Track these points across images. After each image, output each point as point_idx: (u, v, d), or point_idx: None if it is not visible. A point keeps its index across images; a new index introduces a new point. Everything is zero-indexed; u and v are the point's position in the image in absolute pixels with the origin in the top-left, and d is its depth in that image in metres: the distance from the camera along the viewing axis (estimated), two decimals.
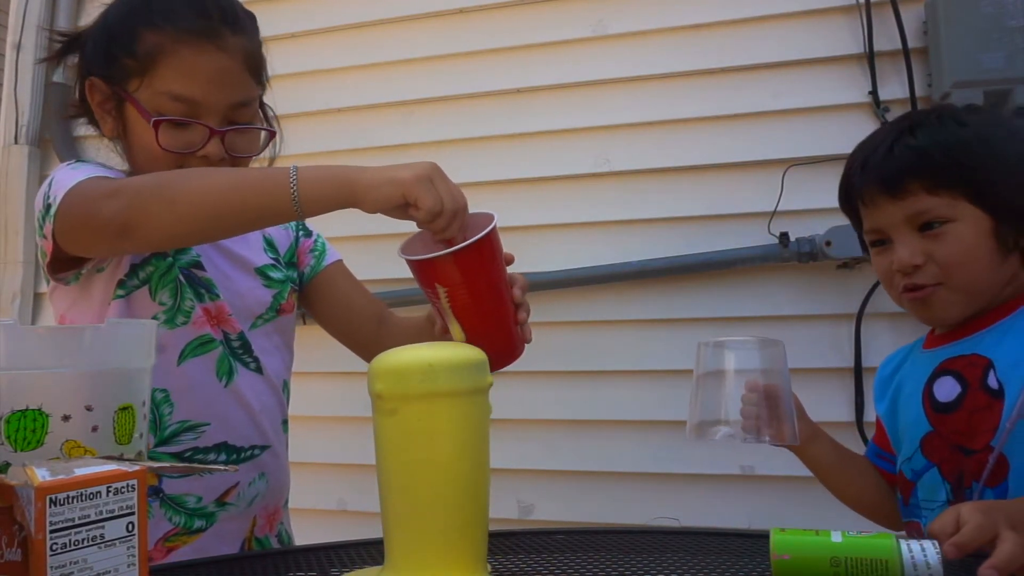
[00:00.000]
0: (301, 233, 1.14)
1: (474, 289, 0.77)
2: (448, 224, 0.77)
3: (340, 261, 1.16)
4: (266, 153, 1.03)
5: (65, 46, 1.00)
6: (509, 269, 0.86)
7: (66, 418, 0.62)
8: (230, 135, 0.94)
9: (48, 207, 0.85)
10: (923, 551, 0.61)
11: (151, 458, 0.92)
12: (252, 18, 1.00)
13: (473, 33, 1.98)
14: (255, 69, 0.98)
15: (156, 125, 0.90)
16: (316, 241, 1.15)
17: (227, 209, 0.81)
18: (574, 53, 1.91)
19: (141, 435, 0.68)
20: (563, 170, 1.89)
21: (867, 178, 1.00)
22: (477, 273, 0.77)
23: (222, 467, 0.68)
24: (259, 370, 1.01)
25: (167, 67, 0.91)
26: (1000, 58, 1.57)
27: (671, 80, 1.84)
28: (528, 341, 0.88)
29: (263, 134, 1.01)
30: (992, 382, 0.95)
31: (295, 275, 1.11)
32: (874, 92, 1.70)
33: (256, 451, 0.99)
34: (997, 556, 0.65)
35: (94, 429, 0.64)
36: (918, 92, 1.67)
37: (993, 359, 0.96)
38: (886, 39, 1.71)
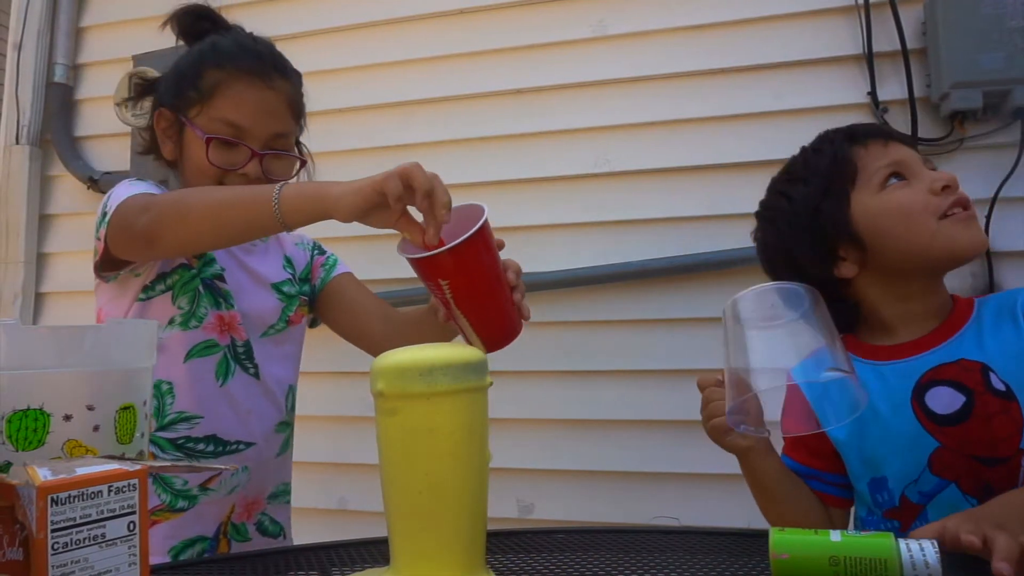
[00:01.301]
0: (316, 252, 1.29)
1: (473, 279, 0.82)
2: (437, 194, 0.82)
3: (349, 273, 1.29)
4: (302, 176, 1.18)
5: (145, 87, 1.18)
6: (503, 254, 0.91)
7: (67, 417, 0.62)
8: (268, 158, 1.10)
9: (104, 215, 1.01)
10: (922, 550, 0.61)
11: (151, 443, 1.02)
12: (298, 75, 1.17)
13: (473, 33, 1.98)
14: (295, 110, 1.14)
15: (208, 142, 1.06)
16: (328, 257, 1.29)
17: (225, 221, 0.93)
18: (575, 53, 1.91)
19: (142, 435, 0.69)
20: (563, 170, 1.89)
21: (878, 128, 1.07)
22: (475, 264, 0.82)
23: (221, 467, 0.69)
24: (256, 375, 1.12)
25: (223, 98, 1.07)
26: (999, 59, 1.57)
27: (671, 80, 1.84)
28: (526, 318, 0.93)
29: (297, 163, 1.16)
30: (997, 384, 0.93)
31: (307, 289, 1.25)
32: (873, 93, 1.70)
33: (241, 446, 1.09)
34: (998, 552, 0.65)
35: (95, 428, 0.64)
36: (917, 93, 1.67)
37: (986, 361, 0.94)
38: (885, 40, 1.71)
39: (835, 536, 0.64)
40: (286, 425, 1.17)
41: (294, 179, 1.16)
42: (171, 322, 1.06)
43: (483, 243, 0.82)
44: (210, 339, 1.08)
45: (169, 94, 1.12)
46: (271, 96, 1.09)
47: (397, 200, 0.82)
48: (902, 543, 0.62)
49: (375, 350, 1.18)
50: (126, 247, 0.99)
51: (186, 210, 0.93)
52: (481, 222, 0.80)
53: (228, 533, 1.10)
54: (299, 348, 1.22)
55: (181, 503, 1.05)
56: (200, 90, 1.08)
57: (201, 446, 1.06)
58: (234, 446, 1.09)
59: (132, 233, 0.96)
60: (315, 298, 1.26)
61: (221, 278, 1.10)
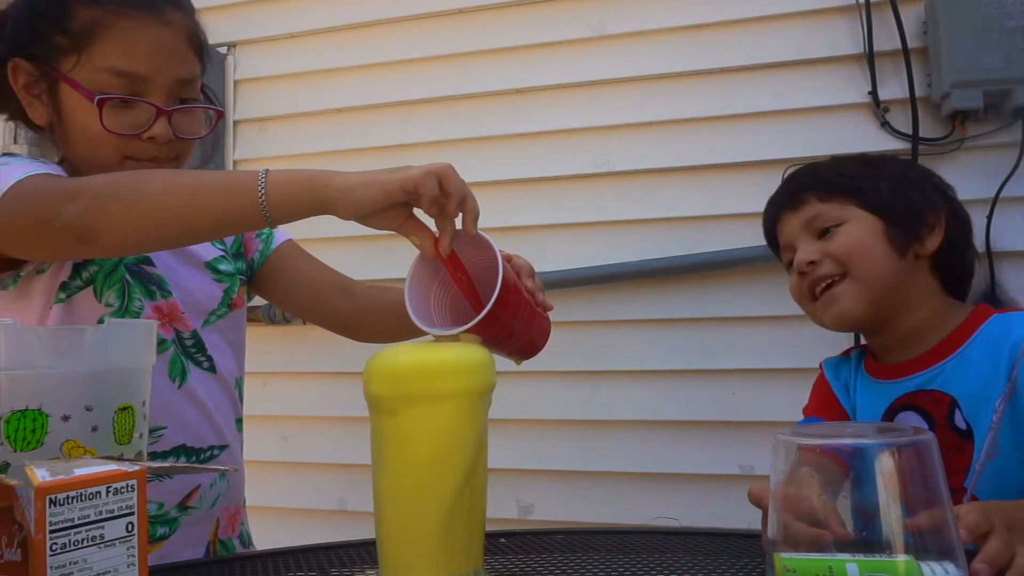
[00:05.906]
0: None
1: (508, 327, 0.75)
2: (469, 203, 0.73)
3: (291, 240, 1.13)
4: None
5: None
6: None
7: (66, 418, 0.62)
8: (176, 115, 0.90)
9: None
10: (946, 574, 0.59)
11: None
12: (190, 2, 0.97)
13: (473, 33, 1.98)
14: (198, 47, 0.94)
15: (100, 104, 0.85)
16: None
17: (191, 213, 0.76)
18: (574, 53, 1.91)
19: (141, 435, 0.69)
20: (563, 170, 1.88)
21: (774, 202, 1.13)
22: (506, 315, 0.74)
23: (222, 467, 0.68)
24: (212, 369, 0.99)
25: (107, 42, 0.86)
26: (1000, 58, 1.57)
27: (671, 80, 1.84)
28: (550, 309, 0.89)
29: (211, 115, 0.97)
30: (960, 422, 0.95)
31: (243, 266, 1.08)
32: (874, 92, 1.70)
33: (215, 451, 0.97)
34: (984, 552, 0.65)
35: (94, 429, 0.64)
36: (918, 92, 1.67)
37: (956, 397, 0.96)
38: (886, 39, 1.71)
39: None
40: (241, 421, 1.05)
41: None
42: (101, 323, 0.87)
43: (508, 290, 0.72)
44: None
45: (25, 39, 0.88)
46: (168, 34, 0.89)
47: (431, 203, 0.71)
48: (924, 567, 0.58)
49: (337, 325, 1.12)
50: (34, 243, 0.79)
51: (136, 198, 0.74)
52: (500, 277, 0.70)
53: (217, 553, 0.97)
54: (242, 336, 1.06)
55: (161, 530, 0.90)
56: (71, 34, 0.86)
57: (172, 460, 0.91)
58: (208, 453, 0.95)
59: (54, 226, 0.75)
60: (254, 275, 1.09)
61: (148, 262, 0.93)
